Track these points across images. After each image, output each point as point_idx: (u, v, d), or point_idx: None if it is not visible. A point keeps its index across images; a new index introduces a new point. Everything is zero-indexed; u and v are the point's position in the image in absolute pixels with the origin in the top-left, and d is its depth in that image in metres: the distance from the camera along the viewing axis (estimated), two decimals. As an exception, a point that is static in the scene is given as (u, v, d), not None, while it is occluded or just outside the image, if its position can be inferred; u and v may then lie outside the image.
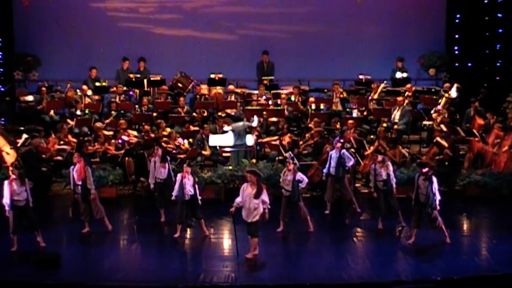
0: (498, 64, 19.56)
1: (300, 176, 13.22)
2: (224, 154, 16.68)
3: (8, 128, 17.47)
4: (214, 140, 16.63)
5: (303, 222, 13.38)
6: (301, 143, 16.44)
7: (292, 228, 13.38)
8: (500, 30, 19.41)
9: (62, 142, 16.57)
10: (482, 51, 20.17)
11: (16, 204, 12.16)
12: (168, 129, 17.01)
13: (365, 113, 18.26)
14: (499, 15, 19.37)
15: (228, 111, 18.49)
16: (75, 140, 16.78)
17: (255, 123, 16.87)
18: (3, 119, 18.44)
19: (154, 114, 18.14)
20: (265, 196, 11.78)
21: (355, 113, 17.98)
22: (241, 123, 16.90)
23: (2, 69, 20.10)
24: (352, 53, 21.22)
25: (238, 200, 11.86)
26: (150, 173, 14.00)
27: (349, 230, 13.71)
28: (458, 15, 21.00)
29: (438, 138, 16.03)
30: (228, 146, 16.42)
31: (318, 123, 16.77)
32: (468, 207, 14.94)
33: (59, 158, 16.09)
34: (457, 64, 20.95)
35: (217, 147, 16.63)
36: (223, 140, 16.54)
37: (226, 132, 16.72)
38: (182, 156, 15.72)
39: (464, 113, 18.42)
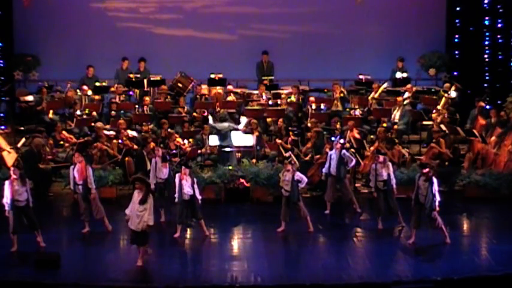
0: (498, 64, 19.60)
1: (298, 176, 13.23)
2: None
3: (8, 128, 17.46)
4: (214, 139, 16.67)
5: (303, 222, 13.38)
6: (303, 150, 16.36)
7: (292, 228, 13.39)
8: (499, 36, 19.43)
9: (61, 142, 16.63)
10: (482, 51, 20.17)
11: (17, 205, 12.16)
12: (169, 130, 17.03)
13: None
14: (499, 8, 19.42)
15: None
16: (72, 137, 16.83)
17: (241, 125, 16.95)
18: (3, 119, 18.44)
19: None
20: (150, 207, 11.46)
21: (358, 112, 17.95)
22: (226, 124, 16.94)
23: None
24: (352, 53, 21.19)
25: (130, 208, 11.58)
26: (151, 173, 14.00)
27: (349, 230, 13.72)
28: (458, 15, 20.99)
29: (433, 145, 16.04)
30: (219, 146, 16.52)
31: (316, 123, 16.77)
32: (468, 207, 14.95)
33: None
34: (456, 64, 20.99)
35: (217, 147, 16.67)
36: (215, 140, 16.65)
37: (212, 126, 16.90)
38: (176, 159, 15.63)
39: (463, 112, 18.44)
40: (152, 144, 15.61)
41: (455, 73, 20.83)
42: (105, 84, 19.24)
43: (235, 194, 15.40)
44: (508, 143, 16.04)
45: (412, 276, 11.30)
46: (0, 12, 20.12)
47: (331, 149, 14.67)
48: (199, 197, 12.96)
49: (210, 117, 17.54)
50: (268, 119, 18.26)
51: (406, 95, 18.70)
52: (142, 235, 11.55)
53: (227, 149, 16.47)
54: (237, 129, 16.87)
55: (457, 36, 21.15)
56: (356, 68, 20.01)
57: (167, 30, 21.69)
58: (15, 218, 12.19)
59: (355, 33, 21.43)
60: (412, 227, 12.70)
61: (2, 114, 18.89)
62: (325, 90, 19.57)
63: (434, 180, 12.43)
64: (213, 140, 16.68)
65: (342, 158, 14.41)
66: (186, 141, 16.63)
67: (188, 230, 13.29)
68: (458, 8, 20.99)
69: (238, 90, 19.49)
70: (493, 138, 16.38)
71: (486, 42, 20.12)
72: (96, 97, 19.04)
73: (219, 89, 19.22)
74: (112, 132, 16.71)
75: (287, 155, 15.25)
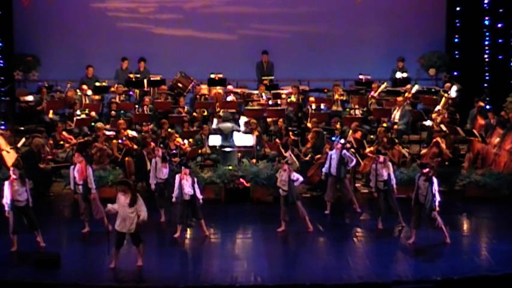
0: (498, 64, 19.60)
1: (294, 175, 13.23)
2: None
3: (9, 128, 17.45)
4: (214, 139, 16.67)
5: (302, 222, 13.38)
6: (303, 150, 16.34)
7: (292, 228, 13.39)
8: (499, 36, 19.42)
9: (61, 142, 16.66)
10: (482, 51, 20.18)
11: (16, 205, 12.16)
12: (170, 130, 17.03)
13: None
14: (499, 8, 19.45)
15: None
16: (72, 137, 16.85)
17: (242, 127, 16.98)
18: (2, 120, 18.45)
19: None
20: (140, 204, 11.46)
21: (358, 112, 17.96)
22: (230, 125, 16.95)
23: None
24: (352, 53, 21.19)
25: (114, 205, 11.55)
26: (151, 173, 14.02)
27: (349, 230, 13.72)
28: (458, 15, 21.00)
29: (438, 139, 16.03)
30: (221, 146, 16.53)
31: (316, 123, 16.78)
32: (468, 207, 14.95)
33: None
34: (456, 64, 21.01)
35: (217, 147, 16.67)
36: (217, 140, 16.64)
37: (215, 129, 16.91)
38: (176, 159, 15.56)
39: (464, 112, 18.45)
40: (152, 144, 15.61)
41: (455, 73, 20.84)
42: (105, 84, 19.24)
43: (235, 194, 15.39)
44: (508, 143, 16.04)
45: (412, 276, 11.31)
46: (0, 12, 20.13)
47: (331, 149, 14.68)
48: (200, 196, 12.96)
49: (215, 120, 17.54)
50: (268, 119, 18.27)
51: (407, 94, 18.72)
52: (135, 236, 11.53)
53: (227, 149, 16.47)
54: (239, 131, 16.87)
55: (457, 36, 21.14)
56: (356, 68, 20.01)
57: (167, 30, 21.69)
58: (15, 218, 12.19)
59: (355, 33, 21.43)
60: (412, 227, 12.70)
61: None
62: (325, 90, 19.57)
63: (434, 180, 12.43)
64: (213, 140, 16.68)
65: (342, 158, 14.41)
66: (186, 141, 16.63)
67: (188, 230, 13.28)
68: (458, 8, 20.99)
69: (238, 90, 19.48)
70: (497, 139, 16.32)
71: (486, 42, 20.13)
72: (96, 97, 19.05)
73: (219, 89, 19.24)
74: (112, 132, 16.71)
75: (287, 154, 15.26)
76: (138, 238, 11.58)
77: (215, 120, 17.63)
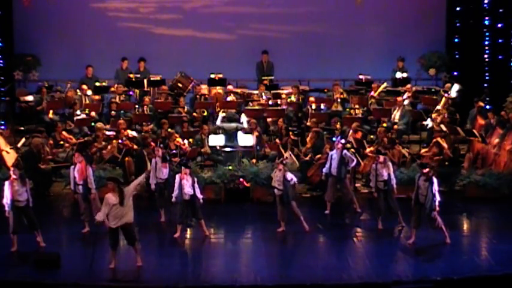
0: (498, 64, 19.61)
1: (288, 175, 13.23)
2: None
3: (9, 128, 17.46)
4: (214, 139, 16.67)
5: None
6: (303, 150, 16.34)
7: (292, 228, 13.39)
8: (499, 36, 19.42)
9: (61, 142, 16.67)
10: (482, 51, 20.18)
11: (17, 205, 12.16)
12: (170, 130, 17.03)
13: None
14: (499, 8, 19.46)
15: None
16: (72, 137, 16.86)
17: (245, 124, 16.97)
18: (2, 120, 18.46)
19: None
20: (131, 191, 11.42)
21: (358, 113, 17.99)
22: (234, 125, 16.95)
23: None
24: (352, 53, 21.20)
25: (103, 212, 11.33)
26: (151, 173, 14.02)
27: (349, 230, 13.72)
28: (458, 15, 21.01)
29: (438, 139, 16.04)
30: (223, 146, 16.53)
31: (316, 123, 16.78)
32: (468, 207, 14.95)
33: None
34: (456, 64, 21.01)
35: (217, 147, 16.67)
36: (221, 139, 16.64)
37: (219, 126, 16.96)
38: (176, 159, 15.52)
39: (464, 112, 18.45)
40: (152, 144, 15.62)
41: (455, 73, 20.85)
42: (105, 84, 19.25)
43: (235, 194, 15.40)
44: (508, 143, 16.04)
45: (412, 276, 11.30)
46: (0, 12, 20.14)
47: (331, 149, 14.68)
48: (200, 196, 12.97)
49: (219, 117, 17.56)
50: (268, 119, 18.28)
51: (406, 95, 18.70)
52: (128, 233, 11.47)
53: (227, 149, 16.47)
54: (243, 129, 16.89)
55: (457, 36, 21.16)
56: (356, 68, 20.02)
57: (167, 30, 21.70)
58: (15, 218, 12.19)
59: (355, 33, 21.44)
60: (412, 227, 12.69)
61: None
62: (325, 90, 19.59)
63: (434, 180, 12.42)
64: (213, 140, 16.68)
65: (343, 158, 14.40)
66: (186, 141, 16.63)
67: (188, 230, 13.29)
68: (458, 8, 21.02)
69: (238, 90, 19.49)
70: (497, 140, 16.32)
71: (486, 42, 20.13)
72: (96, 97, 19.06)
73: (219, 89, 19.24)
74: (112, 132, 16.72)
75: (287, 154, 15.25)
76: (132, 236, 11.54)
77: (219, 118, 17.57)
